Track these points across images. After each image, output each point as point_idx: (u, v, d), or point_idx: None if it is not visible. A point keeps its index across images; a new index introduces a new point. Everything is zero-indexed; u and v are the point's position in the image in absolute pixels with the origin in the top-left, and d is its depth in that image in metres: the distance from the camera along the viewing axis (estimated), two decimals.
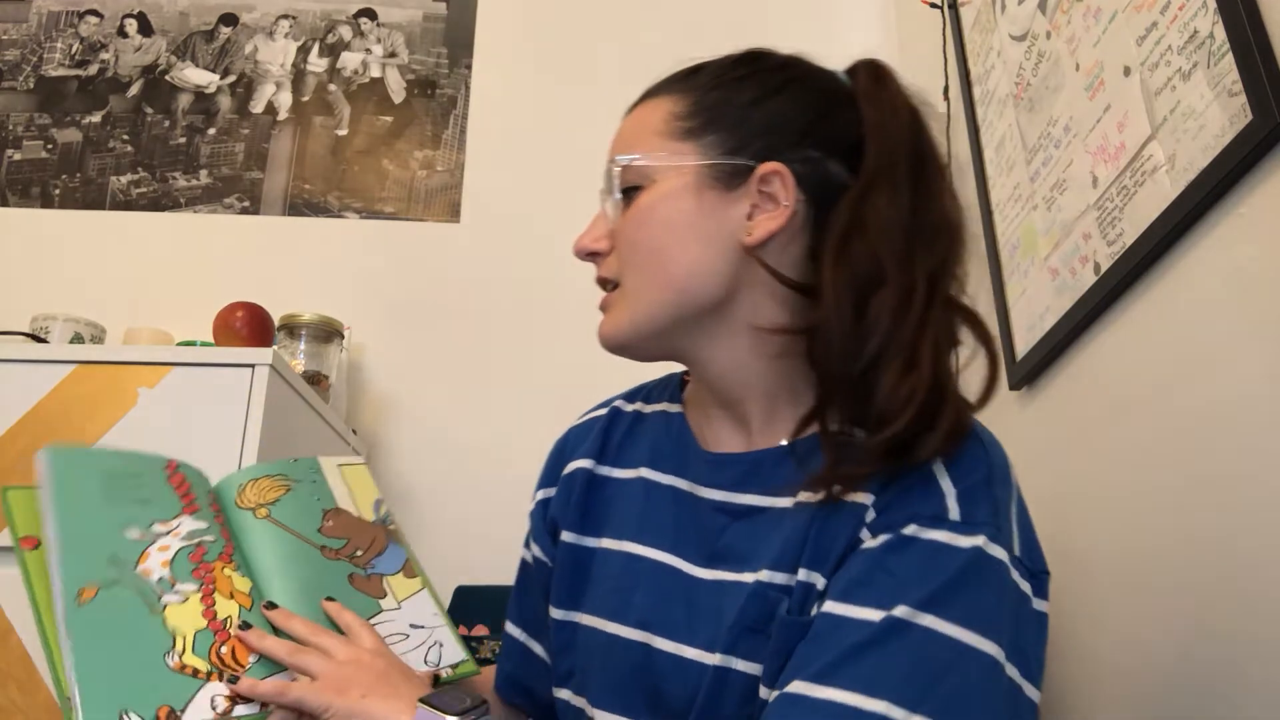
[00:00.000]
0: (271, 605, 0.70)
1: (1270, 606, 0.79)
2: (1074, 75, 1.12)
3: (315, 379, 1.58)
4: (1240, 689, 0.82)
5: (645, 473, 0.78)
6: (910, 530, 0.61)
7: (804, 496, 0.67)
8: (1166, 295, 0.95)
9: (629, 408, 0.84)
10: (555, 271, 1.87)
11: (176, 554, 0.70)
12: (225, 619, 0.68)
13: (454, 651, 0.78)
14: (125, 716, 0.60)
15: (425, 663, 0.75)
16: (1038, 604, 0.64)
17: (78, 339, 1.54)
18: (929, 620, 0.57)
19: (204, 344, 1.47)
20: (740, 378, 0.72)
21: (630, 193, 0.71)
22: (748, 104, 0.70)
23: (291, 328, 1.61)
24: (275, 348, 1.36)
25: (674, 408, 0.81)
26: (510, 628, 0.86)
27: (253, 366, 1.25)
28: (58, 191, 1.93)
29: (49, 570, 0.65)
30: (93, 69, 2.02)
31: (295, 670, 0.66)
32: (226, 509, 0.77)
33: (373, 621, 0.74)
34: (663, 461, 0.77)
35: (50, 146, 1.96)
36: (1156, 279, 0.97)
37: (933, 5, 1.62)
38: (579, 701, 0.74)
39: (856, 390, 0.63)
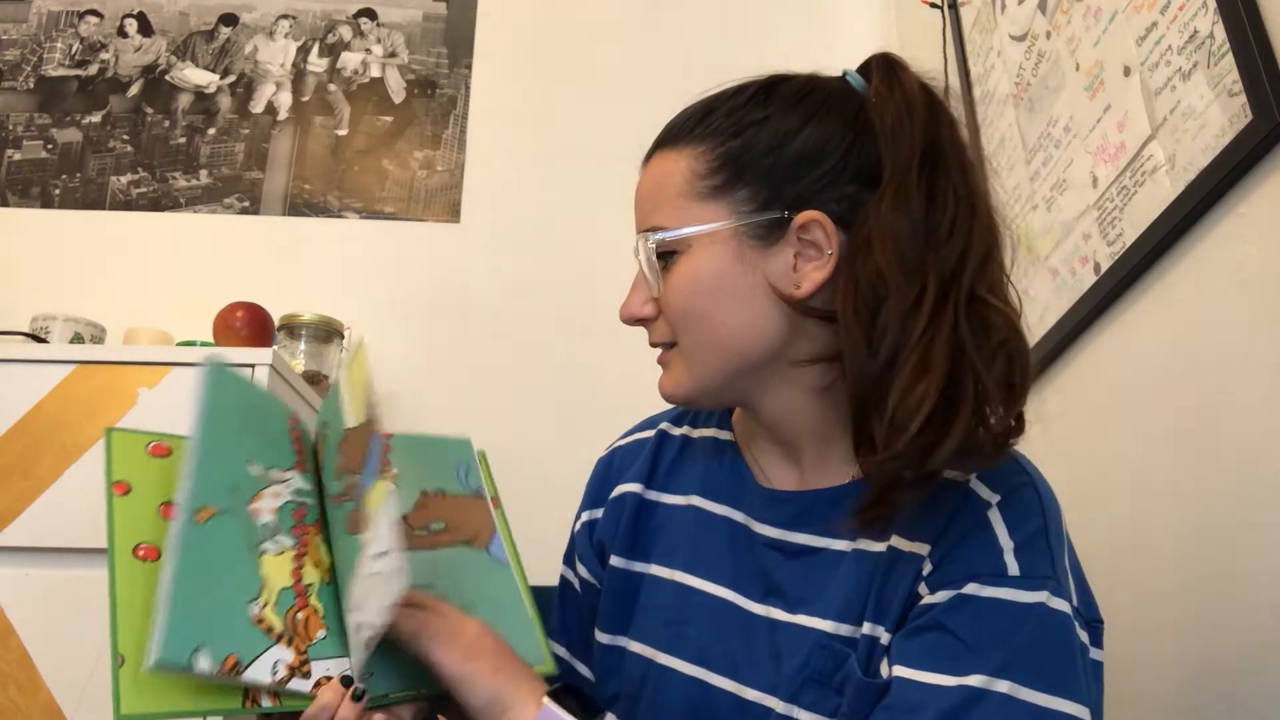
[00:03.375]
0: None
1: (1273, 603, 0.79)
2: (1074, 75, 1.12)
3: (315, 379, 1.58)
4: (1245, 688, 0.82)
5: (697, 501, 0.76)
6: (970, 589, 0.60)
7: (864, 544, 0.66)
8: (1166, 295, 0.95)
9: (677, 431, 0.82)
10: (555, 271, 1.88)
11: (283, 505, 0.70)
12: (308, 585, 0.67)
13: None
14: (197, 654, 0.59)
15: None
16: (1094, 653, 0.63)
17: (78, 339, 1.54)
18: (1005, 687, 0.57)
19: (204, 344, 1.47)
20: (795, 421, 0.70)
21: (667, 256, 0.68)
22: (773, 148, 0.66)
23: (291, 328, 1.61)
24: (275, 348, 1.36)
25: (724, 435, 0.79)
26: (553, 645, 0.83)
27: (253, 366, 1.25)
28: (58, 191, 1.93)
29: (180, 477, 0.66)
30: (93, 69, 2.02)
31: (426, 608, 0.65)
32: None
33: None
34: (716, 491, 0.76)
35: (50, 146, 1.96)
36: (1156, 279, 0.97)
37: (933, 5, 1.62)
38: None
39: (876, 410, 0.60)
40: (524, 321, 1.84)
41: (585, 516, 0.84)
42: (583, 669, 0.82)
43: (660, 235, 0.67)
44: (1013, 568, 0.60)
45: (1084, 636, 0.62)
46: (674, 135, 0.70)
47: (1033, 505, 0.63)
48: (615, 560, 0.78)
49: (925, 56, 1.65)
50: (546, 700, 0.62)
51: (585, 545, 0.82)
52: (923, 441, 0.58)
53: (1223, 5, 0.84)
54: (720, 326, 0.66)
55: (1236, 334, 0.84)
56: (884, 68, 0.69)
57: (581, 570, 0.82)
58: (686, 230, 0.66)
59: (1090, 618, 0.64)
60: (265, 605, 0.64)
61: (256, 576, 0.65)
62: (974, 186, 0.65)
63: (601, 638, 0.77)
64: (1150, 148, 0.96)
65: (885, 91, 0.67)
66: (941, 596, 0.61)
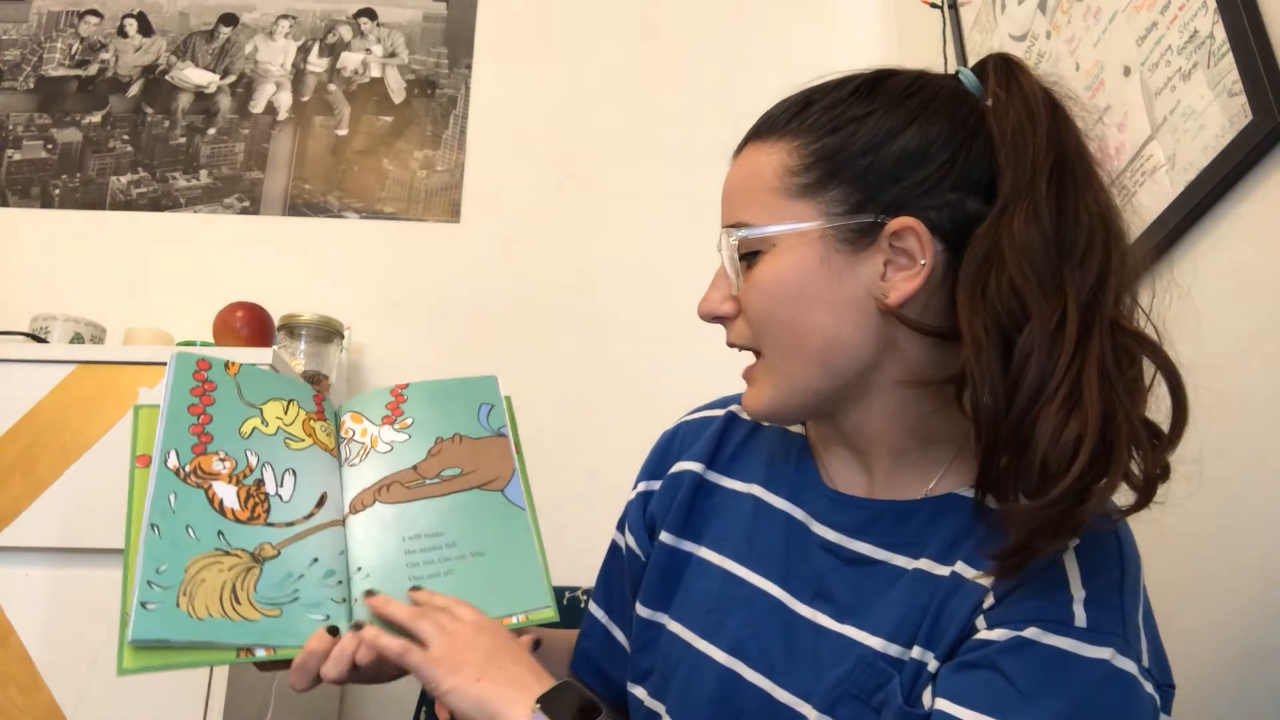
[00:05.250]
0: (370, 593, 0.71)
1: (1272, 603, 0.79)
2: (1074, 75, 1.12)
3: (315, 379, 1.58)
4: (1241, 689, 0.82)
5: (758, 490, 0.75)
6: (1031, 633, 0.56)
7: (926, 565, 0.63)
8: (1166, 296, 0.95)
9: (747, 415, 0.80)
10: (555, 271, 1.88)
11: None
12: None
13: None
14: None
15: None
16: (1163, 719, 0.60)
17: (78, 339, 1.54)
18: None
19: (204, 344, 1.47)
20: (875, 431, 0.67)
21: (750, 256, 0.65)
22: (870, 148, 0.63)
23: (291, 328, 1.61)
24: (275, 348, 1.36)
25: (795, 428, 0.78)
26: (594, 608, 0.84)
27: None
28: (58, 191, 1.93)
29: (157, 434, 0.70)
30: (93, 69, 2.02)
31: (414, 633, 0.67)
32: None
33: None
34: (779, 484, 0.74)
35: (50, 146, 1.96)
36: (1156, 279, 0.97)
37: (933, 5, 1.62)
38: (654, 705, 0.73)
39: (1017, 444, 0.56)
40: (524, 321, 1.84)
41: (641, 487, 0.82)
42: (619, 635, 0.81)
43: (744, 232, 0.65)
44: (1080, 618, 0.57)
45: (1153, 697, 0.58)
46: (769, 126, 0.67)
47: (1112, 555, 0.60)
48: (665, 536, 0.77)
49: (925, 56, 1.65)
50: (536, 709, 0.61)
51: (636, 516, 0.81)
52: (1079, 487, 0.54)
53: (1223, 5, 0.84)
54: (804, 336, 0.64)
55: (1237, 334, 0.84)
56: (1001, 69, 0.65)
57: (629, 539, 0.81)
58: (772, 229, 0.64)
59: (1161, 681, 0.59)
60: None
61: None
62: (1107, 203, 0.61)
63: (641, 611, 0.77)
64: (1150, 148, 0.96)
65: (1004, 95, 0.63)
66: (999, 635, 0.57)
